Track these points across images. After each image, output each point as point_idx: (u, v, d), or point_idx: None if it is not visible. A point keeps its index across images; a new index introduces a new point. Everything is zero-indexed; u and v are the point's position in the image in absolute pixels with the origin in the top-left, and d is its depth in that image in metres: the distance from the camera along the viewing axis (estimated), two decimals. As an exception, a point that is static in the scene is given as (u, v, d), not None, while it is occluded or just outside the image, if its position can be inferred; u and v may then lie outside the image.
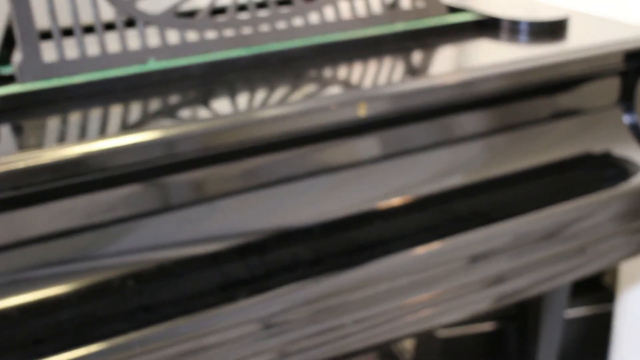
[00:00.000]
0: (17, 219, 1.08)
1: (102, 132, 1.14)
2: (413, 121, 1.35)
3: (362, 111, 1.26)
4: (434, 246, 1.32)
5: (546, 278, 1.45)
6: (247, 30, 1.35)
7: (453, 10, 1.57)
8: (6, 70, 1.24)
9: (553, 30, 1.52)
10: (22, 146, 1.10)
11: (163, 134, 1.12)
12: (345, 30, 1.42)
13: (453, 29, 1.52)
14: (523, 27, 1.52)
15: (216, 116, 1.19)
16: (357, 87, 1.31)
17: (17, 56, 1.22)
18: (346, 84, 1.33)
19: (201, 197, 1.19)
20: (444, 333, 2.14)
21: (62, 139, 1.12)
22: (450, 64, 1.46)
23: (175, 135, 1.13)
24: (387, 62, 1.41)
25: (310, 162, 1.27)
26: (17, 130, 1.14)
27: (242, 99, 1.26)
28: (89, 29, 1.26)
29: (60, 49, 1.21)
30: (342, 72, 1.37)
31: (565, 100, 1.50)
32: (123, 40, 1.26)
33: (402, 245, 1.30)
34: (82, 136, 1.13)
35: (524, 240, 1.40)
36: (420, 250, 1.30)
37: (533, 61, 1.40)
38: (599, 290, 2.31)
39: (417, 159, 1.36)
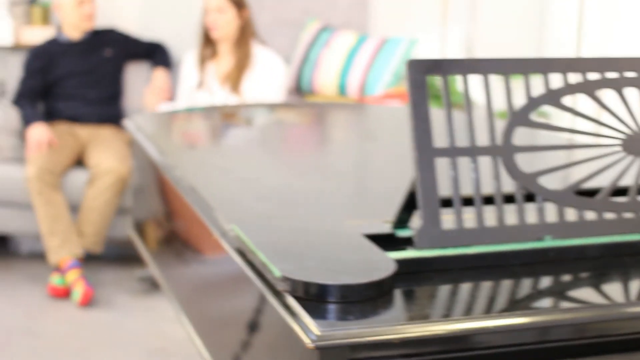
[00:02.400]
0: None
1: (490, 310, 1.14)
2: None
3: None
4: None
5: None
6: (647, 214, 1.30)
7: None
8: (403, 233, 1.27)
9: None
10: (412, 316, 1.12)
11: (553, 319, 1.11)
12: None
13: None
14: None
15: (612, 304, 1.16)
16: None
17: (416, 221, 1.25)
18: None
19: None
20: None
21: (449, 313, 1.14)
22: None
23: (566, 320, 1.11)
24: None
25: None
26: (409, 297, 1.16)
27: (635, 286, 1.21)
28: (487, 199, 1.27)
29: (459, 218, 1.23)
30: None
31: None
32: (521, 214, 1.25)
33: None
34: (469, 311, 1.13)
35: None
36: None
37: None
38: None
39: None
